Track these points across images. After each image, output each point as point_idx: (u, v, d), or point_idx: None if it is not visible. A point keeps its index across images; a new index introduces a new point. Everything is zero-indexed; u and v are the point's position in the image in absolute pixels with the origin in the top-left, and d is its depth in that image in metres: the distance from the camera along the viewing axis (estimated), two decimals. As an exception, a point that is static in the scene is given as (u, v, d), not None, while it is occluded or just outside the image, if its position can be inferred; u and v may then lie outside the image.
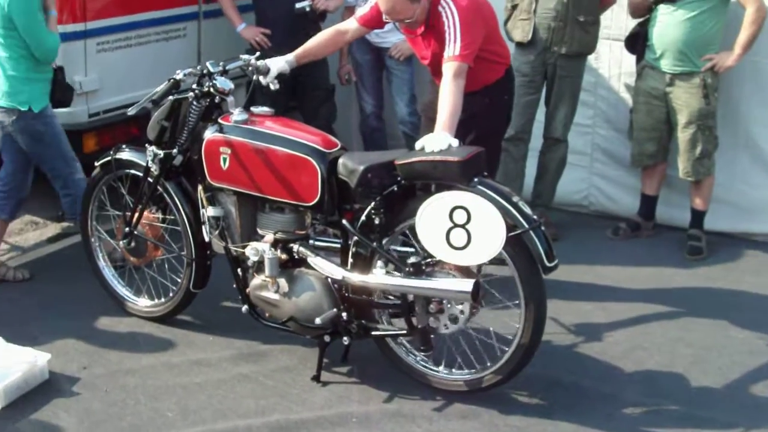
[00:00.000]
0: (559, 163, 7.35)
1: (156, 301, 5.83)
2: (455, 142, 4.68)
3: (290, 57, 5.49)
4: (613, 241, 7.27)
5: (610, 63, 7.46)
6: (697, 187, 6.99)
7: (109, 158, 5.69)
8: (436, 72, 5.36)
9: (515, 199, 4.56)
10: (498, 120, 5.87)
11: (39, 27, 5.94)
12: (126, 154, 5.66)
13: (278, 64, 5.41)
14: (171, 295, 5.74)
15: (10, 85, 6.03)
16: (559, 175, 7.42)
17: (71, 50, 6.83)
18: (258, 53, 5.42)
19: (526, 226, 4.50)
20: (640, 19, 6.98)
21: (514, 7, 6.95)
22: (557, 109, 7.17)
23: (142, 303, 5.88)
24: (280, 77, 5.44)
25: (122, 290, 5.96)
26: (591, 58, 7.28)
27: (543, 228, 4.59)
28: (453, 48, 5.04)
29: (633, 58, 7.21)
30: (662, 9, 6.72)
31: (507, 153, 7.04)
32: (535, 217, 4.59)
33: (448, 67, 5.02)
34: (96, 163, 5.81)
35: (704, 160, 6.83)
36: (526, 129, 7.16)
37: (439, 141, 4.65)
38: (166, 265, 5.84)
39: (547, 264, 4.53)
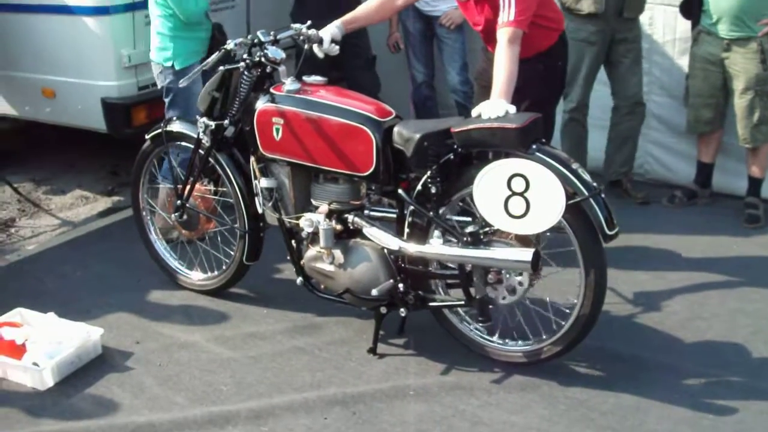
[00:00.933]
0: (638, 128, 7.37)
1: (209, 274, 5.81)
2: (512, 109, 4.60)
3: (339, 23, 5.41)
4: (669, 210, 7.18)
5: (665, 29, 7.35)
6: (755, 154, 6.88)
7: (159, 131, 5.65)
8: (489, 39, 5.28)
9: (574, 166, 4.48)
10: (552, 87, 5.76)
11: None
12: (177, 126, 5.62)
13: (331, 30, 5.33)
14: (224, 267, 5.72)
15: (159, 41, 6.41)
16: (638, 141, 7.44)
17: (119, 22, 6.88)
18: (309, 22, 5.33)
19: (586, 193, 4.41)
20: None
21: None
22: (633, 73, 7.15)
23: (195, 276, 5.86)
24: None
25: (174, 264, 5.95)
26: (645, 23, 7.22)
27: (603, 195, 4.50)
28: (508, 13, 4.94)
29: (687, 23, 7.11)
30: (719, -27, 6.60)
31: (576, 122, 7.11)
32: (594, 184, 4.49)
33: (503, 33, 4.92)
34: (146, 136, 5.78)
35: (762, 126, 6.72)
36: (589, 97, 7.14)
37: (496, 108, 4.56)
38: (219, 238, 5.79)
39: (608, 232, 4.43)
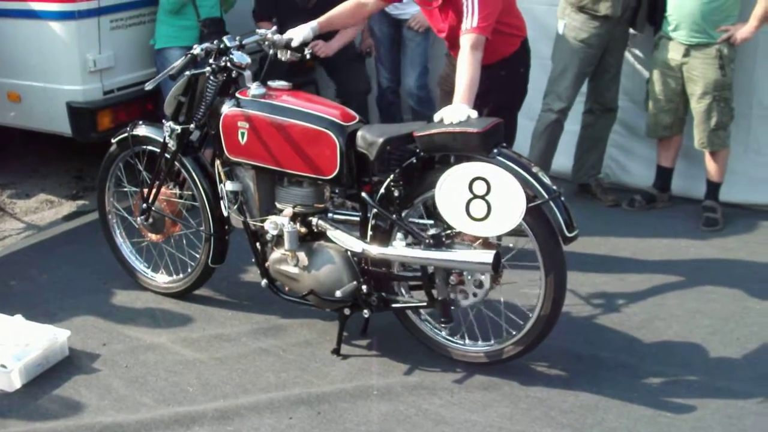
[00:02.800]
0: (609, 131, 7.53)
1: (174, 277, 5.86)
2: (474, 114, 4.68)
3: (314, 24, 5.48)
4: (629, 213, 7.27)
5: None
6: (713, 159, 6.97)
7: (125, 135, 5.69)
8: (453, 45, 5.36)
9: (535, 169, 4.56)
10: (514, 93, 5.83)
11: None
12: (143, 130, 5.66)
13: (303, 32, 5.39)
14: (189, 270, 5.77)
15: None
16: (606, 143, 7.58)
17: (85, 27, 6.93)
18: (274, 27, 5.40)
19: (546, 196, 4.50)
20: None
21: None
22: (614, 79, 7.32)
23: (161, 279, 5.91)
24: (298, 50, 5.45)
25: (140, 266, 5.99)
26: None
27: (562, 198, 4.58)
28: (471, 20, 5.02)
29: (648, 29, 7.22)
30: (680, -20, 6.72)
31: (558, 124, 7.20)
32: (554, 187, 4.58)
33: (466, 39, 4.99)
34: (112, 140, 5.81)
35: (720, 131, 6.82)
36: (574, 100, 7.25)
37: (457, 113, 4.64)
38: (184, 241, 5.85)
39: (567, 234, 4.53)
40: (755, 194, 7.27)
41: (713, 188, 7.10)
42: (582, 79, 7.20)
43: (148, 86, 5.25)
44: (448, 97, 5.06)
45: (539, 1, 7.53)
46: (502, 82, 5.56)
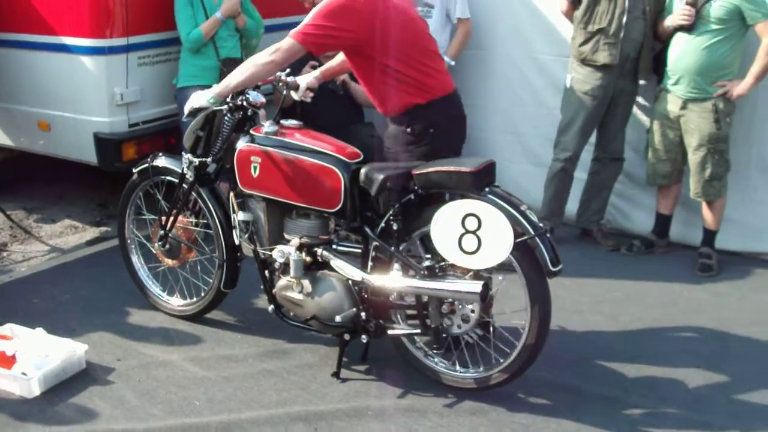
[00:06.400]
0: (614, 179, 7.78)
1: (188, 300, 6.14)
2: (202, 99, 5.33)
3: (317, 73, 5.87)
4: (628, 258, 7.51)
5: (635, 88, 7.71)
6: (709, 208, 7.22)
7: (146, 165, 6.00)
8: None
9: (523, 207, 4.86)
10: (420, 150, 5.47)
11: (179, 17, 7.31)
12: (162, 162, 5.96)
13: (307, 79, 5.77)
14: (202, 294, 6.04)
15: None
16: (611, 191, 7.83)
17: (114, 63, 7.20)
18: (288, 70, 5.71)
19: (533, 232, 4.79)
20: (665, 44, 7.23)
21: (599, 31, 7.22)
22: (620, 130, 7.59)
23: (175, 302, 6.18)
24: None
25: (156, 290, 6.28)
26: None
27: (548, 235, 4.87)
28: (301, 24, 5.25)
29: (650, 81, 7.51)
30: (680, 36, 6.98)
31: (565, 172, 7.52)
32: (541, 224, 4.88)
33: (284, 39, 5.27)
34: (134, 170, 6.11)
35: (714, 182, 7.06)
36: (582, 149, 7.56)
37: (194, 97, 5.32)
38: (199, 267, 6.12)
39: (552, 269, 4.80)
40: (751, 242, 7.50)
41: (709, 236, 7.33)
42: (588, 130, 7.49)
43: (185, 117, 5.56)
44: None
45: (547, 52, 7.86)
46: (404, 138, 5.46)
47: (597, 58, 7.25)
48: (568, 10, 7.52)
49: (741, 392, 5.38)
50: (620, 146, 7.65)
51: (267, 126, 5.38)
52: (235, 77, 5.27)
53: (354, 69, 5.53)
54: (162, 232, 5.98)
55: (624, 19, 7.14)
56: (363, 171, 5.10)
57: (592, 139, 7.66)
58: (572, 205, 7.86)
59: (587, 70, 7.35)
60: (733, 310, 6.53)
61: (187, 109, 5.40)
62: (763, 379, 5.52)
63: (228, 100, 5.39)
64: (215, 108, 5.41)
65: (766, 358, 5.83)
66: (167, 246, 6.03)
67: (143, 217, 6.28)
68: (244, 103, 5.38)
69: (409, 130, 5.38)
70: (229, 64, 7.17)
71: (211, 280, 5.98)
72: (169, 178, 5.97)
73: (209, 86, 5.47)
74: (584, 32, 7.32)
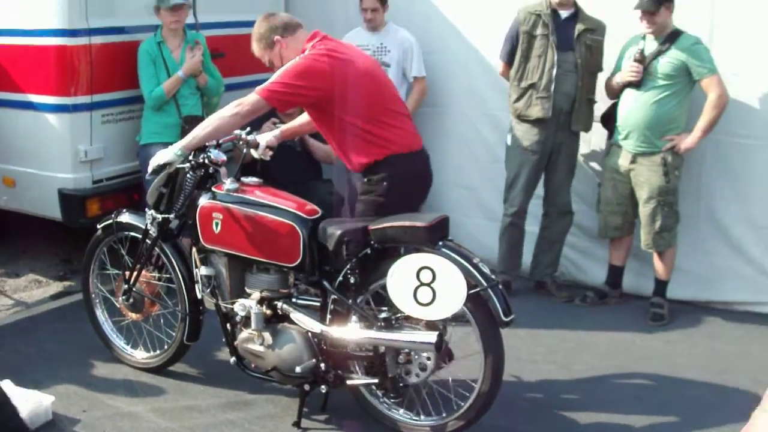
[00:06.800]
0: (565, 233, 7.94)
1: (152, 353, 6.23)
2: (168, 154, 5.43)
3: (277, 132, 6.05)
4: (581, 308, 7.69)
5: (581, 142, 7.90)
6: (660, 258, 7.41)
7: (110, 221, 6.13)
8: None
9: (476, 260, 5.03)
10: (373, 204, 5.64)
11: (142, 75, 7.48)
12: (126, 218, 6.10)
13: (266, 138, 5.94)
14: (166, 347, 6.15)
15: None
16: (563, 244, 7.99)
17: (78, 120, 7.35)
18: (248, 128, 5.87)
19: (485, 284, 4.96)
20: (615, 100, 7.46)
21: (531, 86, 7.47)
22: (565, 184, 7.77)
23: (139, 355, 6.28)
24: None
25: (120, 343, 6.37)
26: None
27: (500, 286, 5.05)
28: (268, 81, 5.50)
29: (601, 136, 7.74)
30: (629, 92, 7.21)
31: (514, 226, 7.72)
32: (493, 276, 5.05)
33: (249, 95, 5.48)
34: (98, 226, 6.24)
35: (664, 233, 7.26)
36: (528, 203, 7.73)
37: (160, 154, 5.41)
38: (162, 320, 6.23)
39: (504, 319, 4.97)
40: (701, 291, 7.71)
41: (660, 285, 7.52)
42: (532, 184, 7.69)
43: (149, 175, 5.68)
44: None
45: (500, 108, 8.06)
46: (363, 190, 5.70)
47: (530, 113, 7.48)
48: (504, 70, 7.78)
49: (692, 436, 5.54)
50: (567, 200, 7.83)
51: (228, 183, 5.53)
52: (201, 130, 5.44)
53: (317, 124, 5.74)
54: (126, 286, 6.09)
55: (554, 73, 7.37)
56: (321, 226, 5.25)
57: (542, 192, 7.86)
58: (528, 258, 8.04)
59: (524, 126, 7.57)
60: (684, 358, 6.70)
61: (152, 165, 5.51)
62: (715, 423, 5.68)
63: (190, 158, 5.53)
64: (178, 165, 5.53)
65: (718, 404, 5.99)
66: (131, 300, 6.13)
67: (107, 271, 6.38)
68: (206, 161, 5.52)
69: (365, 180, 5.60)
70: (190, 122, 7.29)
71: (174, 333, 6.08)
72: (132, 233, 6.09)
73: (171, 143, 5.61)
74: (518, 88, 7.56)
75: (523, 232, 7.85)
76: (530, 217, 7.87)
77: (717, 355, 6.76)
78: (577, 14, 7.52)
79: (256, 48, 5.75)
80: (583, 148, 7.96)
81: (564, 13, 7.50)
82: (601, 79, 7.62)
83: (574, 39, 7.42)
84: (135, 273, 6.06)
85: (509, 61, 7.67)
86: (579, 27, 7.44)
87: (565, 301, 7.82)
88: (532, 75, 7.47)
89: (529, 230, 7.90)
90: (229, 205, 5.45)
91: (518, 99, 7.56)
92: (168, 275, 6.03)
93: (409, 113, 5.91)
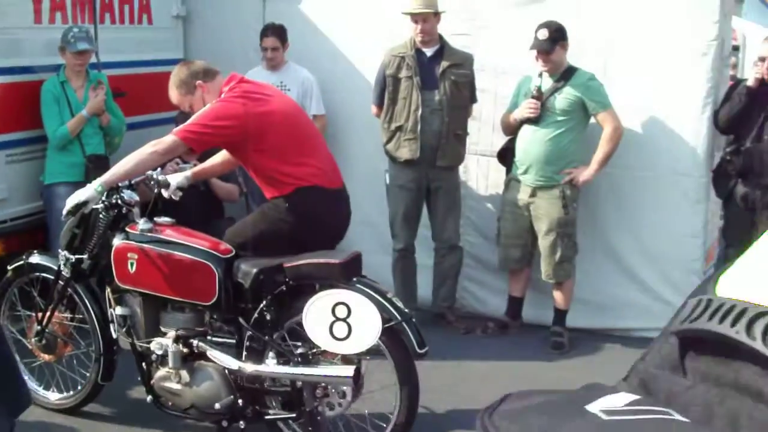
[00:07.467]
0: (457, 267, 8.06)
1: (65, 393, 6.21)
2: (89, 190, 5.45)
3: (188, 173, 6.12)
4: (483, 339, 7.86)
5: (478, 176, 8.16)
6: (559, 288, 7.64)
7: (21, 262, 6.14)
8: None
9: (390, 295, 5.20)
10: (276, 235, 5.80)
11: (46, 115, 7.49)
12: (37, 259, 6.11)
13: (177, 178, 6.02)
14: (79, 388, 6.14)
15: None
16: (458, 278, 8.12)
17: None
18: (159, 169, 5.95)
19: (399, 318, 5.13)
20: (510, 136, 7.66)
21: (398, 128, 7.63)
22: (448, 218, 7.89)
23: (52, 396, 6.25)
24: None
25: (33, 385, 6.28)
26: (461, 171, 8.01)
27: (414, 320, 5.20)
28: (186, 123, 5.68)
29: (499, 171, 7.93)
30: (527, 128, 7.42)
31: (404, 260, 7.85)
32: (406, 310, 5.21)
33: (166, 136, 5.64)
34: (9, 267, 6.22)
35: (564, 264, 7.49)
36: (413, 238, 7.88)
37: (81, 193, 5.46)
38: (75, 361, 6.22)
39: (419, 351, 5.15)
40: (599, 319, 7.95)
41: (560, 315, 7.74)
42: (412, 221, 7.87)
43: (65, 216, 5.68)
44: None
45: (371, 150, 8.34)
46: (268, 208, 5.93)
47: (400, 154, 7.67)
48: (376, 112, 7.93)
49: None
50: (453, 235, 7.98)
51: (142, 223, 5.59)
52: (122, 166, 5.53)
53: (236, 159, 5.96)
54: (38, 327, 6.07)
55: (419, 114, 7.55)
56: (236, 264, 5.36)
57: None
58: (425, 291, 8.18)
59: (397, 166, 7.76)
60: (586, 382, 6.82)
61: (69, 204, 5.50)
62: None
63: (103, 199, 5.56)
64: (94, 206, 5.56)
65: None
66: (43, 341, 6.11)
67: (18, 313, 6.37)
68: (119, 201, 5.57)
69: (273, 203, 5.80)
70: (94, 161, 7.39)
71: (87, 374, 6.08)
72: (44, 274, 6.09)
73: (76, 183, 5.69)
74: (387, 131, 7.75)
75: (414, 265, 8.00)
76: (427, 250, 8.03)
77: (617, 378, 6.89)
78: (442, 50, 7.68)
79: (175, 94, 5.88)
80: (480, 184, 8.20)
81: (428, 51, 7.68)
82: (480, 109, 7.92)
83: (438, 77, 7.59)
84: (48, 314, 6.04)
85: (380, 103, 7.84)
86: (444, 64, 7.60)
87: (464, 333, 7.95)
88: (399, 117, 7.66)
89: (425, 264, 8.06)
90: (144, 245, 5.51)
91: (388, 141, 7.76)
92: (80, 316, 6.03)
93: (328, 152, 6.10)
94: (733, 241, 7.70)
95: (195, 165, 6.40)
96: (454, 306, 8.26)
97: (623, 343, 7.76)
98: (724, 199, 7.70)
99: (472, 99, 7.84)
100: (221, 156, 6.18)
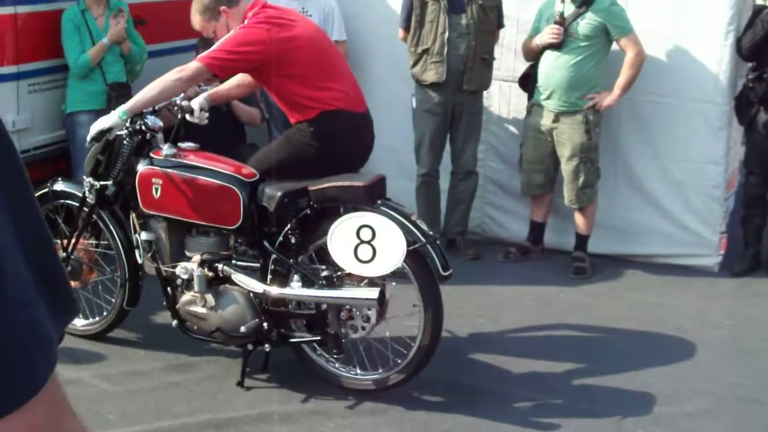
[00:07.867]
0: (472, 193, 8.04)
1: (91, 320, 6.25)
2: (113, 117, 5.48)
3: (206, 95, 6.08)
4: (505, 265, 7.88)
5: (500, 102, 8.14)
6: (581, 214, 7.65)
7: (46, 190, 6.13)
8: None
9: (414, 217, 5.22)
10: (302, 158, 5.75)
11: (67, 44, 7.43)
12: (62, 186, 6.12)
13: (198, 101, 5.99)
14: (105, 314, 6.18)
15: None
16: (471, 204, 8.11)
17: (4, 91, 7.26)
18: (182, 94, 5.91)
19: (424, 240, 5.14)
20: (532, 62, 7.65)
21: (425, 51, 7.60)
22: (467, 144, 7.88)
23: (78, 322, 6.26)
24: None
25: (59, 312, 6.40)
26: (483, 97, 7.97)
27: (438, 242, 5.23)
28: (210, 49, 5.69)
29: (521, 97, 7.90)
30: (548, 54, 7.40)
31: (428, 185, 7.84)
32: (431, 232, 5.22)
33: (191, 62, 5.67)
34: (33, 196, 6.25)
35: (587, 189, 7.49)
36: (438, 164, 7.87)
37: (105, 119, 5.50)
38: (100, 287, 6.27)
39: (443, 273, 5.17)
40: (621, 245, 7.95)
41: (582, 240, 7.75)
42: (437, 145, 7.85)
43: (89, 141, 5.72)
44: None
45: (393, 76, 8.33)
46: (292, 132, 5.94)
47: (426, 77, 7.64)
48: (403, 36, 7.90)
49: (620, 382, 5.78)
50: (471, 160, 7.95)
51: (166, 149, 5.60)
52: (146, 94, 5.54)
53: (260, 84, 5.98)
54: (64, 254, 6.08)
55: (446, 37, 7.51)
56: (260, 188, 5.37)
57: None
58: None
59: (424, 89, 7.74)
60: (607, 309, 6.95)
61: (93, 131, 5.53)
62: (640, 369, 5.93)
63: (127, 124, 5.57)
64: (118, 132, 5.57)
65: (641, 350, 6.24)
66: (69, 268, 6.13)
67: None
68: (143, 128, 5.58)
69: (297, 126, 5.80)
70: (116, 89, 7.39)
71: (113, 300, 6.13)
72: (69, 201, 6.13)
73: (97, 111, 5.69)
74: (414, 54, 7.71)
75: (438, 190, 8.00)
76: (444, 175, 8.04)
77: (639, 306, 7.02)
78: None
79: (198, 20, 5.86)
80: (503, 109, 8.16)
81: None
82: (503, 35, 7.88)
83: (465, 1, 7.56)
84: (72, 241, 6.08)
85: (407, 27, 7.81)
86: None
87: (471, 259, 7.92)
88: (426, 40, 7.62)
89: (442, 189, 8.08)
90: (168, 170, 5.52)
91: (414, 64, 7.72)
92: (105, 242, 6.08)
93: (352, 77, 6.10)
94: (754, 169, 7.69)
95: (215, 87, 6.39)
96: (469, 231, 8.27)
97: (645, 269, 7.79)
98: (746, 127, 7.65)
99: (500, 24, 7.81)
100: (237, 79, 6.14)
